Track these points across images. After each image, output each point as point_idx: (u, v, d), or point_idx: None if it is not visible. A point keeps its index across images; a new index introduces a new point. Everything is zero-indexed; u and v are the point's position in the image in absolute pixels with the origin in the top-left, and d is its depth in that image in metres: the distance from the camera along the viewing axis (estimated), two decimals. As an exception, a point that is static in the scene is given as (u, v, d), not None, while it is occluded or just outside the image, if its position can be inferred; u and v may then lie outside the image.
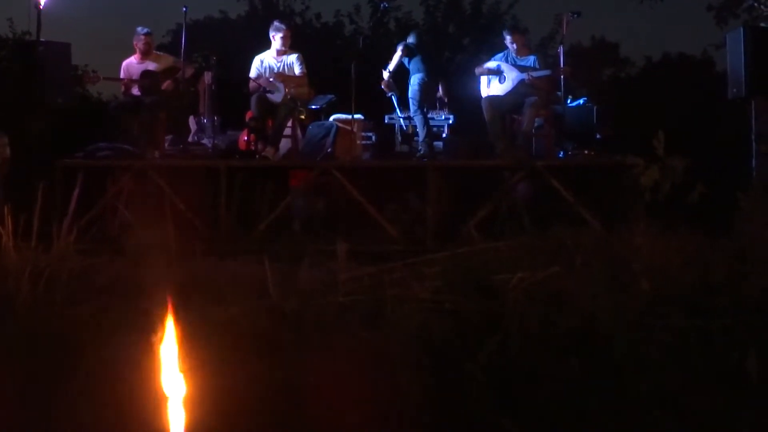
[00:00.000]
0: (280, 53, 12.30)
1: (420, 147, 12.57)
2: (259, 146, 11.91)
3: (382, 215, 10.18)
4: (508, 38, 12.05)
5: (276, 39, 12.30)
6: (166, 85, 12.19)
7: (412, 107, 12.70)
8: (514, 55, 11.98)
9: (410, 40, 13.16)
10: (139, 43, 12.43)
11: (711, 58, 24.12)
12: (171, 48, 16.57)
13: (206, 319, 5.15)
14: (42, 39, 11.13)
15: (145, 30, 12.56)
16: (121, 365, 4.77)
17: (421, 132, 12.61)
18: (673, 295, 5.71)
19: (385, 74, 12.97)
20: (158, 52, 12.92)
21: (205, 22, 25.38)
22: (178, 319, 3.51)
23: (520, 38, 12.09)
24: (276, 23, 12.51)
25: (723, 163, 9.73)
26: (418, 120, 12.69)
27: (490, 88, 11.92)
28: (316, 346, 5.31)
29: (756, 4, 20.07)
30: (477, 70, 12.15)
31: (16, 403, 4.79)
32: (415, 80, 12.72)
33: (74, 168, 10.69)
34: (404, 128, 13.80)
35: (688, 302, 5.59)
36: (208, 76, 13.37)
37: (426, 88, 12.82)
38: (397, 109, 13.73)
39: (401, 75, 13.11)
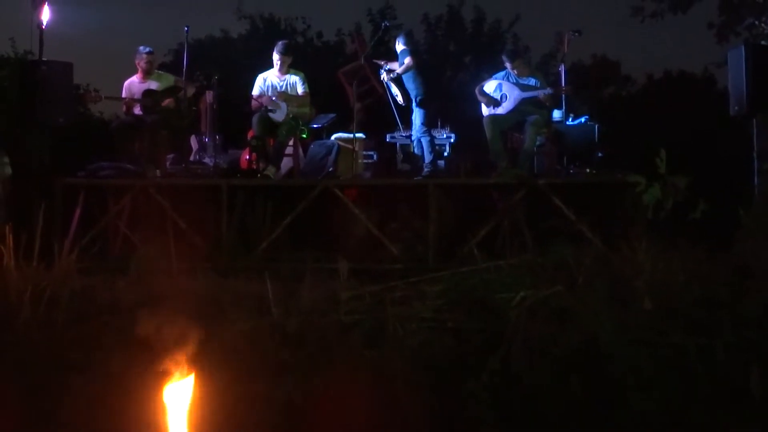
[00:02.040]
0: (283, 72, 12.31)
1: (425, 169, 12.48)
2: (261, 165, 11.90)
3: (384, 233, 10.18)
4: (507, 65, 12.02)
5: (277, 62, 12.32)
6: (167, 102, 12.18)
7: (420, 131, 12.59)
8: (515, 75, 11.98)
9: (407, 47, 12.85)
10: (141, 62, 12.43)
11: (712, 76, 24.10)
12: (173, 67, 16.58)
13: (208, 337, 5.15)
14: (44, 58, 11.13)
15: (147, 49, 12.56)
16: (122, 383, 4.76)
17: (428, 156, 12.53)
18: (675, 312, 5.71)
19: (384, 75, 12.81)
20: (160, 72, 12.91)
21: (207, 41, 25.40)
22: (180, 338, 3.51)
23: (520, 63, 12.06)
24: (280, 45, 12.51)
25: (725, 181, 9.72)
26: (425, 142, 12.58)
27: (491, 106, 11.91)
28: (318, 364, 5.31)
29: (756, 23, 20.11)
30: (477, 92, 12.12)
31: (17, 420, 4.79)
32: (419, 102, 12.62)
33: (76, 187, 10.67)
34: (408, 147, 13.72)
35: (691, 319, 5.59)
36: (209, 95, 13.34)
37: (431, 108, 12.77)
38: (400, 126, 13.68)
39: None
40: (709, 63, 24.03)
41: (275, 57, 12.38)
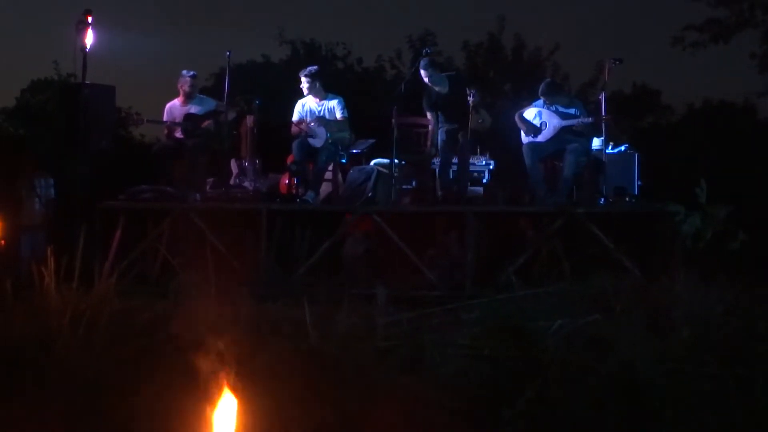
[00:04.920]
0: (321, 98, 12.33)
1: None
2: (300, 190, 11.92)
3: (422, 260, 10.19)
4: (543, 99, 11.95)
5: (304, 87, 12.32)
6: (207, 123, 12.22)
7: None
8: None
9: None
10: (184, 85, 12.45)
11: (753, 106, 23.95)
12: (214, 91, 16.65)
13: (247, 361, 5.17)
14: (87, 81, 11.18)
15: (191, 73, 12.60)
16: (161, 406, 4.78)
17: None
18: (713, 343, 5.68)
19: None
20: (202, 96, 12.94)
21: (248, 66, 25.49)
22: (219, 362, 3.52)
23: (549, 98, 11.95)
24: (301, 71, 12.47)
25: (764, 211, 9.68)
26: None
27: (531, 134, 11.87)
28: (354, 389, 5.31)
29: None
30: (517, 119, 12.08)
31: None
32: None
33: (116, 210, 10.73)
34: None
35: (729, 350, 5.56)
36: (250, 120, 13.35)
37: None
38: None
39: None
40: (749, 92, 23.87)
41: (303, 83, 12.39)
